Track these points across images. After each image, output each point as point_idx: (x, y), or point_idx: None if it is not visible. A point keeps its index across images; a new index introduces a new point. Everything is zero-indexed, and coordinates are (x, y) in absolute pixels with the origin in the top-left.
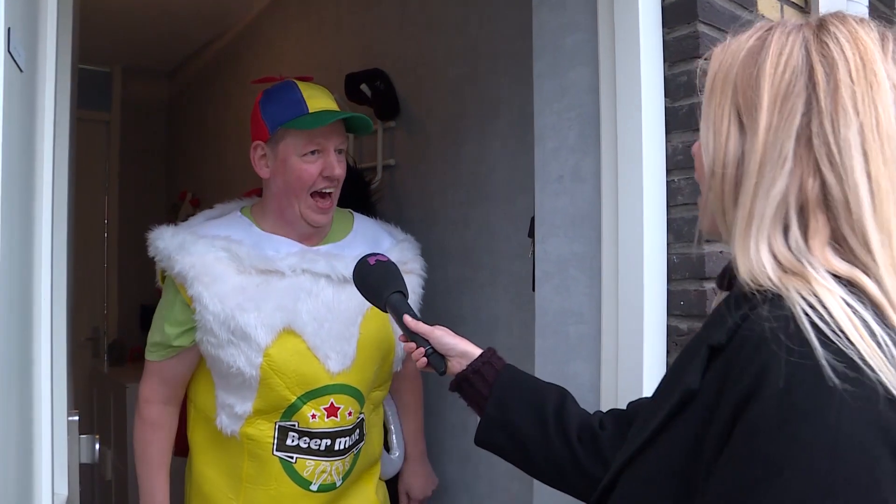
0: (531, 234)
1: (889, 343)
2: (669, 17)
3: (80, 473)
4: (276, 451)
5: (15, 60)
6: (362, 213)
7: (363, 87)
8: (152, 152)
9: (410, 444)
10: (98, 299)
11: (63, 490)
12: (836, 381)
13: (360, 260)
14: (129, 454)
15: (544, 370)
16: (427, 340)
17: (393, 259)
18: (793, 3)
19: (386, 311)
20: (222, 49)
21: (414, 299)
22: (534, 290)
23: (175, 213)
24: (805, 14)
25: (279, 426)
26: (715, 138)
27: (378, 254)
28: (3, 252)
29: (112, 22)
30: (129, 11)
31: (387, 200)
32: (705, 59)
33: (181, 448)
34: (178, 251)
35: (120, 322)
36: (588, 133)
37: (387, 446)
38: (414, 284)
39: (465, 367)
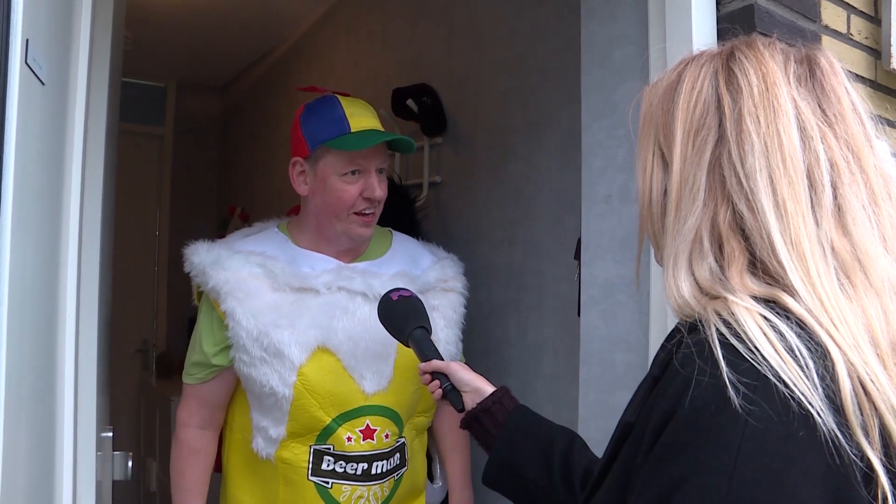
0: (577, 256)
1: (804, 354)
2: (726, 31)
3: (123, 485)
4: (311, 475)
5: (34, 73)
6: (407, 231)
7: (409, 102)
8: (204, 167)
9: (455, 490)
10: (148, 312)
11: None
12: (738, 401)
13: (383, 296)
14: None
15: (588, 399)
16: (446, 376)
17: (433, 277)
18: (861, 12)
19: (409, 346)
20: (273, 65)
21: (456, 318)
22: (579, 314)
23: (224, 228)
24: (874, 24)
25: (314, 450)
26: (642, 176)
27: (402, 289)
28: (21, 266)
29: (166, 38)
30: (183, 28)
31: (432, 218)
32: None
33: (219, 463)
34: (212, 266)
35: (169, 335)
36: None
37: (430, 475)
38: (455, 303)
39: (475, 406)
